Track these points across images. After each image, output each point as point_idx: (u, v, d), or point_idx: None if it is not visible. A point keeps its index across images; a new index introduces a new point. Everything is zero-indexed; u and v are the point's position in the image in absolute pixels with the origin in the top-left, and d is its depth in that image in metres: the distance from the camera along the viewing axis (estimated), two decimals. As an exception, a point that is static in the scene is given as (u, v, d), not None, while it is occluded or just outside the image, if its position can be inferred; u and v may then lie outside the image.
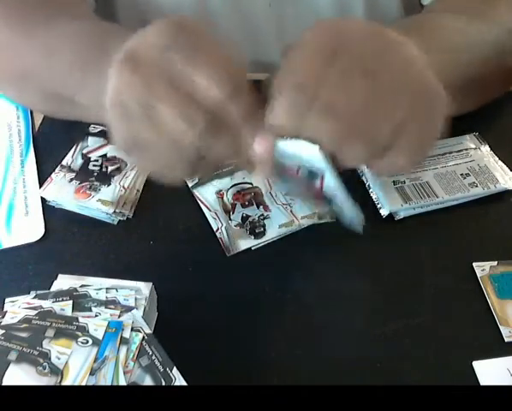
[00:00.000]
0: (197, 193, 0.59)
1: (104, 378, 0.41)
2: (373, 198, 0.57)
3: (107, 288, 0.47)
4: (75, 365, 0.41)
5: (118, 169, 0.60)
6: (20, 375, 0.40)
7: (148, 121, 0.40)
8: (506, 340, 0.47)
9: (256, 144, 0.41)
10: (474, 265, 0.52)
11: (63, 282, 0.49)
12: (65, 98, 0.55)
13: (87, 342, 0.43)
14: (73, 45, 0.55)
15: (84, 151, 0.62)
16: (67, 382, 0.40)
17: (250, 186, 0.59)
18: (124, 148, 0.43)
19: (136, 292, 0.47)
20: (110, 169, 0.60)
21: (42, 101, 0.62)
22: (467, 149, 0.61)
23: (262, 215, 0.57)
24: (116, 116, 0.42)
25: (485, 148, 0.61)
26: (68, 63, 0.55)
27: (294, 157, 0.42)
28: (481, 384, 0.45)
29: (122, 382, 0.41)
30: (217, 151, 0.41)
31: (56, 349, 0.42)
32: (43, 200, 0.58)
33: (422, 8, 0.77)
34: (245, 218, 0.56)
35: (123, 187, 0.58)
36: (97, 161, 0.61)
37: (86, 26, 0.57)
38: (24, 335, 0.43)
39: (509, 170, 0.59)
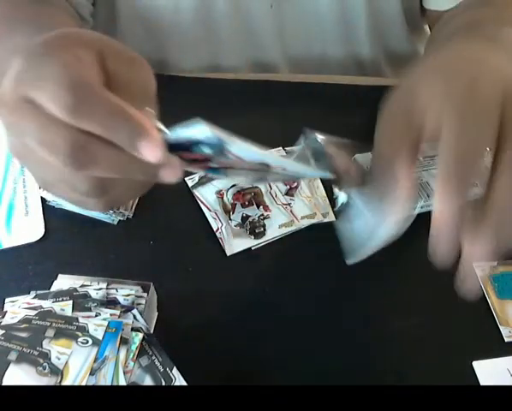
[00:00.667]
0: (197, 193, 0.59)
1: (104, 378, 0.41)
2: (373, 198, 0.57)
3: (107, 288, 0.47)
4: (75, 365, 0.41)
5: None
6: (20, 375, 0.40)
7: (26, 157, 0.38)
8: (506, 340, 0.48)
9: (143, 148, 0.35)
10: (474, 264, 0.52)
11: (63, 282, 0.49)
12: None
13: (87, 342, 0.43)
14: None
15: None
16: (67, 382, 0.40)
17: (250, 186, 0.59)
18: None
19: (136, 292, 0.47)
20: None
21: None
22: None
23: (262, 215, 0.57)
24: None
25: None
26: None
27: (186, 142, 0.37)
28: (481, 384, 0.45)
29: (122, 382, 0.41)
30: (101, 170, 0.36)
31: (56, 349, 0.42)
32: (43, 200, 0.58)
33: (423, 10, 0.77)
34: (245, 218, 0.56)
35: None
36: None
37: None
38: (24, 335, 0.43)
39: (508, 170, 0.59)
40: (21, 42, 0.47)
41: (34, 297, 0.46)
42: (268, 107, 0.67)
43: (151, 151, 0.35)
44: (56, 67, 0.35)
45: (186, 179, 0.60)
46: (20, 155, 0.39)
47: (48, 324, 0.43)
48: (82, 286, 0.48)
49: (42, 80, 0.35)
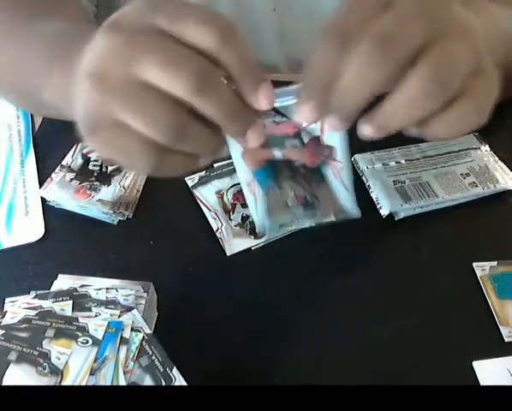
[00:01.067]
0: (197, 193, 0.59)
1: (104, 378, 0.41)
2: (373, 198, 0.57)
3: (107, 288, 0.47)
4: (75, 365, 0.41)
5: (118, 169, 0.60)
6: (20, 375, 0.40)
7: (127, 90, 0.37)
8: (506, 340, 0.47)
9: (260, 95, 0.38)
10: (474, 265, 0.52)
11: (63, 282, 0.49)
12: (34, 95, 0.54)
13: (87, 342, 0.43)
14: (45, 44, 0.54)
15: (84, 151, 0.62)
16: (67, 382, 0.40)
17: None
18: (88, 129, 0.40)
19: (136, 292, 0.47)
20: (110, 169, 0.60)
21: (17, 98, 0.62)
22: (467, 149, 0.61)
23: (262, 215, 0.57)
24: (90, 87, 0.38)
25: (485, 148, 0.61)
26: (37, 60, 0.53)
27: (289, 111, 0.40)
28: (481, 384, 0.45)
29: (122, 382, 0.41)
30: (211, 110, 0.37)
31: (56, 349, 0.42)
32: (43, 200, 0.59)
33: None
34: (245, 218, 0.56)
35: (123, 187, 0.58)
36: (97, 161, 0.61)
37: (62, 26, 0.56)
38: (24, 335, 0.43)
39: (508, 170, 0.59)
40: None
41: (34, 297, 0.46)
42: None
43: (256, 140, 0.39)
44: (176, 46, 0.36)
45: (186, 179, 0.60)
46: (100, 121, 0.38)
47: (48, 324, 0.43)
48: (82, 286, 0.48)
49: (162, 62, 0.36)
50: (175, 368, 0.42)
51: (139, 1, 0.38)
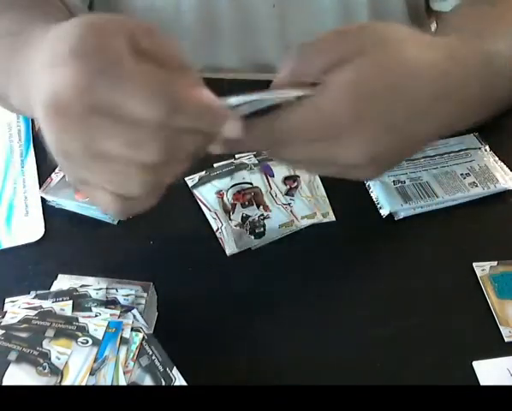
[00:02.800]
0: (197, 193, 0.59)
1: (104, 378, 0.41)
2: (373, 198, 0.57)
3: (107, 288, 0.47)
4: (75, 365, 0.41)
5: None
6: (20, 375, 0.40)
7: (94, 160, 0.37)
8: (506, 340, 0.47)
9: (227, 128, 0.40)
10: (474, 265, 0.52)
11: (63, 282, 0.49)
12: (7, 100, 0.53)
13: (87, 342, 0.43)
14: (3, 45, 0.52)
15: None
16: (67, 382, 0.40)
17: (250, 186, 0.59)
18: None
19: (136, 292, 0.47)
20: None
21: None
22: (467, 149, 0.61)
23: (262, 215, 0.57)
24: (60, 160, 0.39)
25: (485, 148, 0.61)
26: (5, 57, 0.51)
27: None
28: (481, 384, 0.45)
29: (122, 382, 0.41)
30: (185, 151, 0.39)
31: (56, 349, 0.42)
32: (43, 200, 0.58)
33: (428, 10, 0.77)
34: (245, 218, 0.56)
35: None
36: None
37: (14, 21, 0.54)
38: (24, 335, 0.43)
39: (508, 170, 0.59)
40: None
41: (34, 297, 0.46)
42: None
43: (234, 131, 0.40)
44: (128, 70, 0.35)
45: (186, 179, 0.60)
46: (75, 159, 0.38)
47: (48, 324, 0.43)
48: (82, 286, 0.48)
49: (120, 87, 0.35)
50: (175, 368, 0.42)
51: (74, 75, 0.36)
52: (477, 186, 0.58)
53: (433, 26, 0.82)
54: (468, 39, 0.53)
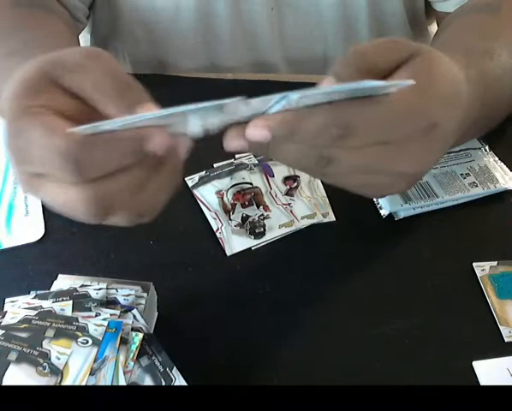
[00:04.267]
0: (197, 193, 0.59)
1: (104, 378, 0.41)
2: (373, 198, 0.57)
3: (107, 288, 0.47)
4: (75, 365, 0.41)
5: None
6: (20, 375, 0.40)
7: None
8: (506, 340, 0.47)
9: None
10: (474, 265, 0.52)
11: (63, 282, 0.49)
12: None
13: (87, 342, 0.43)
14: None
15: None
16: (67, 382, 0.40)
17: (250, 186, 0.59)
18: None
19: (136, 292, 0.47)
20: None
21: None
22: (467, 149, 0.61)
23: (262, 215, 0.57)
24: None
25: (485, 148, 0.61)
26: None
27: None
28: (481, 384, 0.45)
29: (122, 382, 0.41)
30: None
31: (56, 349, 0.42)
32: (43, 200, 0.58)
33: (427, 11, 0.76)
34: (245, 218, 0.56)
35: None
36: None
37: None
38: (24, 335, 0.43)
39: (508, 170, 0.59)
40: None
41: (34, 297, 0.46)
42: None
43: (160, 146, 0.38)
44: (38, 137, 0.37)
45: (186, 179, 0.60)
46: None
47: (48, 324, 0.43)
48: (82, 286, 0.48)
49: (38, 157, 0.37)
50: (175, 368, 0.42)
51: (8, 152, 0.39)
52: (477, 186, 0.58)
53: (433, 27, 0.82)
54: (476, 59, 0.53)
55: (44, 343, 0.42)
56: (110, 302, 0.46)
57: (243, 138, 0.39)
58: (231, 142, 0.39)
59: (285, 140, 0.40)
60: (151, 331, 0.44)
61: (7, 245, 0.55)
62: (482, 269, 0.52)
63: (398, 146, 0.41)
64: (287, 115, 0.38)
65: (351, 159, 0.41)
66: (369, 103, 0.39)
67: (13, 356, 0.41)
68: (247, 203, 0.58)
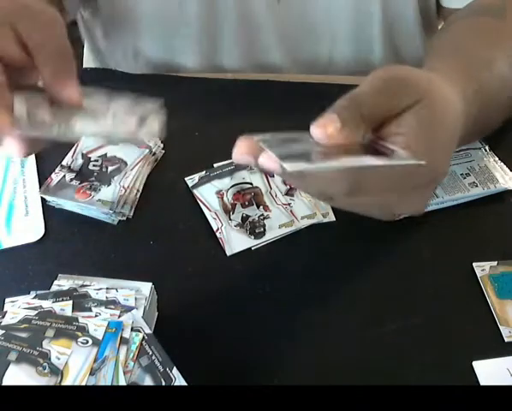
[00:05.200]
0: (197, 193, 0.59)
1: (104, 378, 0.41)
2: (373, 198, 0.57)
3: (107, 288, 0.47)
4: (75, 365, 0.41)
5: (118, 169, 0.60)
6: (20, 375, 0.40)
7: None
8: (506, 340, 0.47)
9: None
10: (474, 265, 0.52)
11: (63, 282, 0.49)
12: None
13: (87, 342, 0.43)
14: None
15: (84, 151, 0.62)
16: (67, 382, 0.40)
17: (250, 186, 0.59)
18: None
19: (136, 292, 0.47)
20: (110, 169, 0.60)
21: None
22: (466, 149, 0.61)
23: (262, 215, 0.57)
24: None
25: (485, 148, 0.61)
26: None
27: None
28: (481, 384, 0.45)
29: (122, 382, 0.41)
30: None
31: (56, 349, 0.42)
32: (43, 200, 0.59)
33: (439, 8, 0.76)
34: (245, 218, 0.56)
35: (123, 187, 0.58)
36: (97, 161, 0.61)
37: None
38: (24, 335, 0.43)
39: (508, 170, 0.59)
40: None
41: (34, 297, 0.46)
42: (268, 107, 0.67)
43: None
44: None
45: (186, 179, 0.60)
46: None
47: (48, 324, 0.43)
48: (82, 286, 0.48)
49: None
50: (175, 368, 0.42)
51: None
52: (477, 186, 0.58)
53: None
54: (477, 70, 0.54)
55: (44, 343, 0.42)
56: (109, 302, 0.46)
57: (253, 157, 0.40)
58: (241, 156, 0.40)
59: (297, 180, 0.43)
60: (151, 331, 0.44)
61: (7, 245, 0.55)
62: (482, 269, 0.52)
63: (400, 196, 0.43)
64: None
65: (353, 204, 0.44)
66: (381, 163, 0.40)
67: (13, 356, 0.41)
68: (247, 203, 0.58)
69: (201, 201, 0.58)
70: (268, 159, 0.39)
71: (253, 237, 0.55)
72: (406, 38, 0.78)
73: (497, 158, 0.60)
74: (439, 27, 0.81)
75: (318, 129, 0.39)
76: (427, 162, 0.40)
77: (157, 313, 0.49)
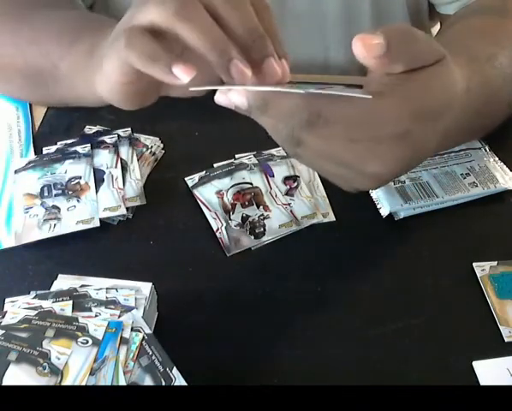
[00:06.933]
0: (197, 193, 0.59)
1: (104, 378, 0.41)
2: (373, 198, 0.57)
3: (107, 288, 0.47)
4: (75, 365, 0.41)
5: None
6: (20, 375, 0.40)
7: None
8: (506, 340, 0.47)
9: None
10: (474, 265, 0.52)
11: (63, 282, 0.49)
12: (46, 70, 0.58)
13: (87, 342, 0.43)
14: (61, 24, 0.59)
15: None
16: (67, 382, 0.40)
17: (250, 186, 0.59)
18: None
19: (136, 292, 0.47)
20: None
21: (22, 85, 0.64)
22: (466, 149, 0.61)
23: (262, 215, 0.57)
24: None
25: (485, 148, 0.61)
26: (56, 34, 0.58)
27: None
28: (481, 384, 0.45)
29: (122, 382, 0.41)
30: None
31: (56, 349, 0.42)
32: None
33: (432, 12, 0.76)
34: (245, 218, 0.56)
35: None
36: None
37: (72, 13, 0.62)
38: (24, 335, 0.43)
39: (508, 170, 0.59)
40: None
41: (34, 297, 0.46)
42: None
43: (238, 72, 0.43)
44: None
45: (186, 179, 0.60)
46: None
47: (48, 324, 0.43)
48: (82, 286, 0.48)
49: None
50: (175, 368, 0.42)
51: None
52: (477, 186, 0.58)
53: (435, 30, 0.82)
54: (480, 66, 0.54)
55: (44, 343, 0.42)
56: (110, 302, 0.46)
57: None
58: (220, 98, 0.45)
59: (262, 113, 0.43)
60: (151, 331, 0.44)
61: (7, 245, 0.55)
62: (482, 269, 0.52)
63: (365, 146, 0.43)
64: (267, 92, 0.42)
65: (318, 146, 0.43)
66: (347, 100, 0.41)
67: (13, 356, 0.41)
68: (247, 203, 0.58)
69: (201, 201, 0.58)
70: (237, 93, 0.43)
71: (252, 237, 0.55)
72: None
73: (497, 158, 0.60)
74: (432, 30, 0.82)
75: (360, 42, 0.41)
76: (398, 114, 0.42)
77: (157, 313, 0.49)
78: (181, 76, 0.42)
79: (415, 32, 0.44)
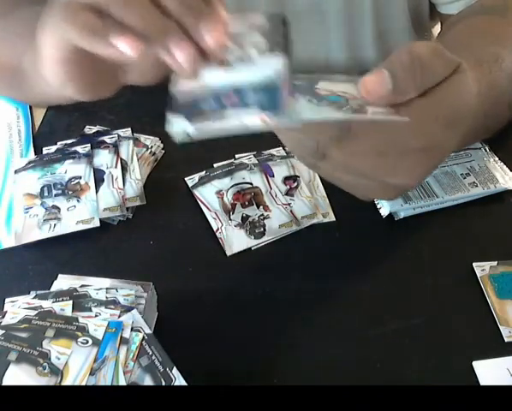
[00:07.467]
0: (197, 193, 0.59)
1: (104, 378, 0.41)
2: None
3: (107, 288, 0.47)
4: (75, 365, 0.41)
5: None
6: (20, 375, 0.40)
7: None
8: (506, 340, 0.47)
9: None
10: (474, 265, 0.52)
11: (63, 282, 0.49)
12: (15, 68, 0.56)
13: (87, 342, 0.43)
14: (27, 22, 0.55)
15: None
16: (67, 382, 0.40)
17: (250, 186, 0.59)
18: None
19: (136, 292, 0.47)
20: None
21: (7, 86, 0.63)
22: (466, 149, 0.61)
23: (262, 215, 0.57)
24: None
25: (485, 148, 0.61)
26: (20, 33, 0.56)
27: None
28: (481, 384, 0.45)
29: (122, 382, 0.41)
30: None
31: (56, 349, 0.42)
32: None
33: (432, 11, 0.76)
34: (245, 218, 0.56)
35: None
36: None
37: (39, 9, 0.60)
38: (24, 335, 0.43)
39: (508, 170, 0.59)
40: None
41: (34, 297, 0.46)
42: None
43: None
44: None
45: (186, 179, 0.60)
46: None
47: (48, 324, 0.43)
48: (82, 286, 0.48)
49: None
50: (175, 368, 0.42)
51: None
52: (477, 186, 0.58)
53: (436, 30, 0.82)
54: (487, 69, 0.54)
55: (44, 343, 0.42)
56: (109, 302, 0.46)
57: None
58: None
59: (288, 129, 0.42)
60: (151, 331, 0.44)
61: (7, 245, 0.55)
62: (482, 269, 0.52)
63: (394, 159, 0.42)
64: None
65: (343, 159, 0.42)
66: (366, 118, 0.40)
67: (13, 356, 0.41)
68: (247, 203, 0.58)
69: (201, 201, 0.58)
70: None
71: (252, 237, 0.55)
72: (399, 42, 0.78)
73: (497, 158, 0.60)
74: (432, 29, 0.82)
75: (363, 87, 0.41)
76: (427, 128, 0.41)
77: (157, 313, 0.49)
78: (126, 49, 0.39)
79: (423, 55, 0.42)
